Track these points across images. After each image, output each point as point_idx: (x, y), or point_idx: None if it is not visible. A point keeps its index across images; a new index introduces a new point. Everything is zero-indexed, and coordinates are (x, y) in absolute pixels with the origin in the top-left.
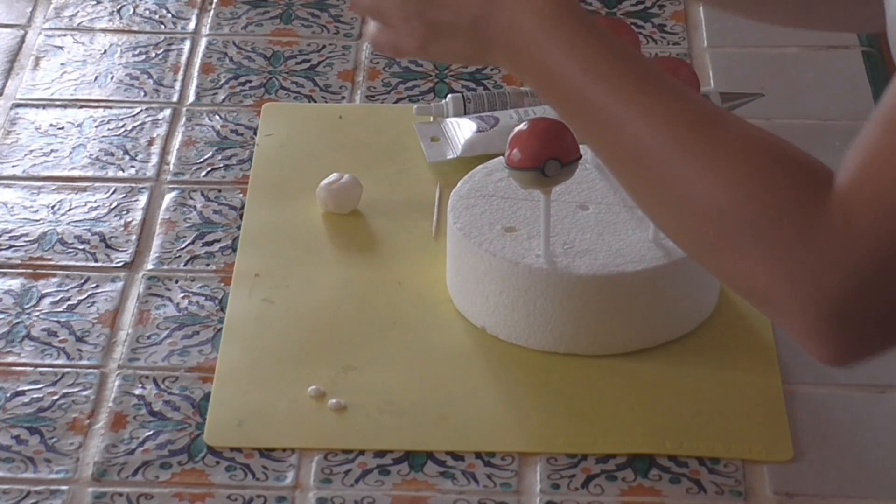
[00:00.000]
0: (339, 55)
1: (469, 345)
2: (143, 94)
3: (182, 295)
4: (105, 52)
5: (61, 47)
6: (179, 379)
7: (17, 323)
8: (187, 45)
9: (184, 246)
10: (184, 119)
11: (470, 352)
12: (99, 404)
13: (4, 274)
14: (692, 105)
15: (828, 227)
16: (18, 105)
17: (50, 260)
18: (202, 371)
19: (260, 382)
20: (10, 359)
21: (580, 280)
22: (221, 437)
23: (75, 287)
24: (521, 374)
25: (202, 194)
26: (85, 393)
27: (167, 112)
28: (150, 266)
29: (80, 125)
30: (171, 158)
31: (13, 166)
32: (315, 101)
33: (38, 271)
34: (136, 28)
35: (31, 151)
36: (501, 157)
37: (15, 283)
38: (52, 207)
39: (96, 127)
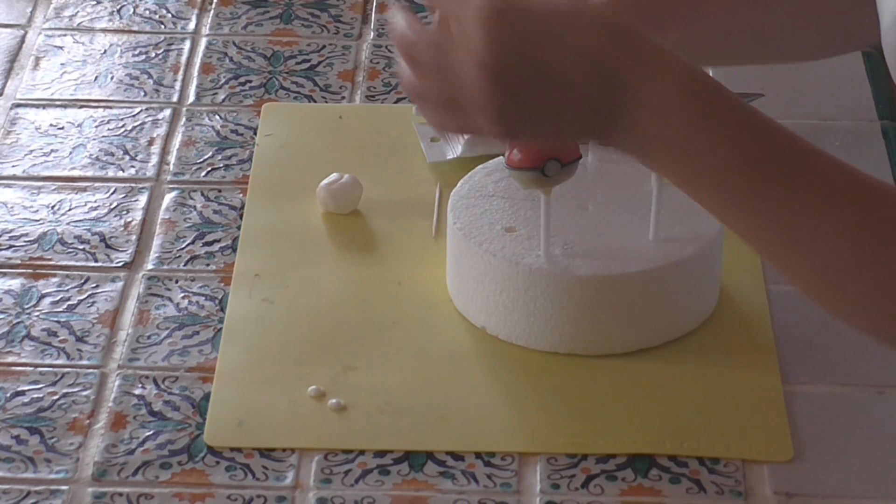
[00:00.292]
0: (339, 55)
1: (469, 345)
2: (143, 94)
3: (182, 295)
4: (105, 52)
5: (61, 47)
6: (179, 379)
7: (17, 323)
8: (187, 45)
9: (184, 246)
10: (184, 119)
11: (470, 352)
12: (99, 404)
13: (4, 274)
14: (859, 186)
15: None
16: (18, 105)
17: (50, 260)
18: (202, 371)
19: (260, 382)
20: (10, 359)
21: (580, 280)
22: (221, 437)
23: (75, 287)
24: (521, 374)
25: (202, 194)
26: (85, 393)
27: (167, 112)
28: (150, 266)
29: (80, 125)
30: (171, 158)
31: (13, 166)
32: (315, 101)
33: (38, 271)
34: (136, 28)
35: (31, 151)
36: (501, 157)
37: (15, 283)
38: (52, 207)
39: (96, 127)
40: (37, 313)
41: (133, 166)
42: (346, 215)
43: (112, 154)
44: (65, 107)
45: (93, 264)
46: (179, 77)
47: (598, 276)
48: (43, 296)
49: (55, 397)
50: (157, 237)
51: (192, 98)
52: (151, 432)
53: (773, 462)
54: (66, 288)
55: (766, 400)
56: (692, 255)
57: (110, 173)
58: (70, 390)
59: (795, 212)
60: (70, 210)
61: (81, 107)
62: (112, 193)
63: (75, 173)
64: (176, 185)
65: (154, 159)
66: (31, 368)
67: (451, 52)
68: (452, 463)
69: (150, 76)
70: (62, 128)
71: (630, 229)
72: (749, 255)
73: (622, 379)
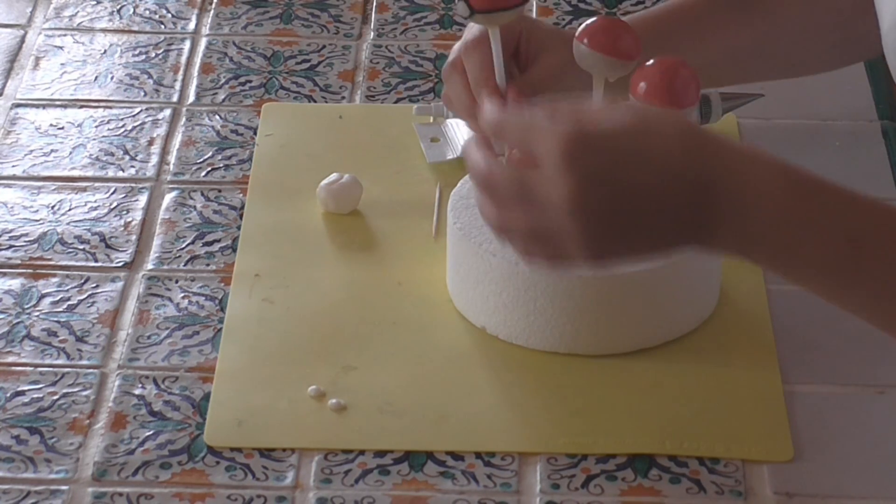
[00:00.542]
0: (339, 55)
1: (469, 345)
2: (143, 94)
3: (182, 295)
4: (105, 52)
5: (61, 47)
6: (179, 379)
7: (17, 323)
8: (187, 45)
9: (184, 246)
10: (184, 119)
11: (470, 352)
12: (99, 404)
13: (4, 274)
14: None
15: None
16: (18, 105)
17: (50, 260)
18: (202, 371)
19: (260, 382)
20: (10, 359)
21: (580, 280)
22: (221, 437)
23: (75, 287)
24: (521, 374)
25: (202, 194)
26: (85, 393)
27: (167, 112)
28: (150, 266)
29: (80, 125)
30: (171, 158)
31: (13, 166)
32: (315, 101)
33: (38, 271)
34: (136, 28)
35: (31, 151)
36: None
37: (15, 283)
38: (52, 207)
39: (96, 127)
40: (37, 313)
41: (133, 166)
42: (346, 215)
43: (112, 154)
44: (65, 107)
45: (93, 264)
46: (179, 77)
47: (598, 276)
48: (43, 296)
49: (55, 397)
50: (157, 237)
51: (192, 98)
52: (151, 432)
53: (773, 462)
54: (66, 288)
55: (766, 400)
56: (692, 254)
57: (110, 173)
58: (70, 390)
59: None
60: (70, 210)
61: (81, 107)
62: (112, 193)
63: (75, 173)
64: (176, 185)
65: (154, 159)
66: (31, 368)
67: (533, 186)
68: (452, 463)
69: (150, 76)
70: (62, 128)
71: None
72: None
73: (622, 379)
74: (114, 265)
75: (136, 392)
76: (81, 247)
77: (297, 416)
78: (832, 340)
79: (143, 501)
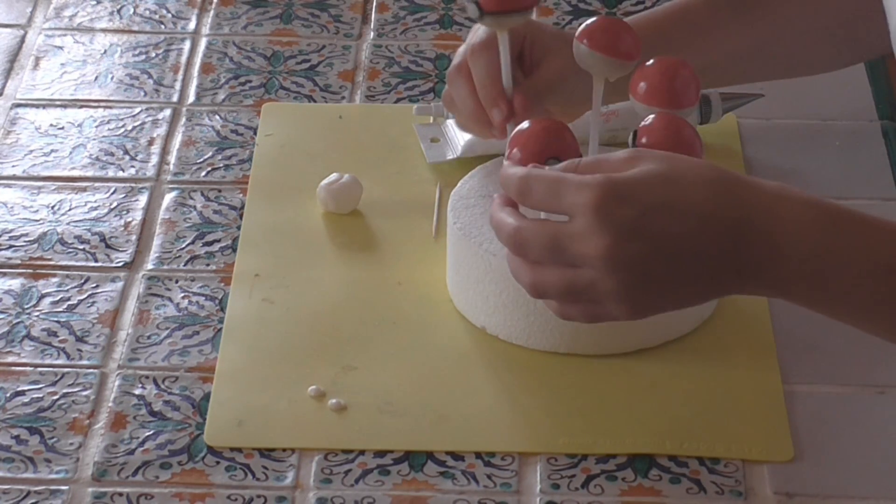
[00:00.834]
0: (339, 55)
1: (469, 345)
2: (143, 94)
3: (182, 295)
4: (105, 52)
5: (61, 47)
6: (179, 379)
7: (17, 323)
8: (187, 45)
9: (184, 246)
10: (184, 119)
11: (470, 352)
12: (99, 404)
13: (4, 274)
14: None
15: None
16: (18, 105)
17: (50, 260)
18: (202, 371)
19: (260, 382)
20: (10, 359)
21: None
22: (221, 437)
23: (75, 287)
24: (521, 374)
25: (202, 194)
26: (85, 393)
27: (167, 112)
28: (150, 266)
29: (80, 125)
30: (171, 158)
31: (13, 166)
32: (315, 101)
33: (38, 271)
34: (136, 28)
35: (31, 151)
36: (501, 157)
37: (15, 283)
38: (52, 207)
39: (96, 127)
40: (37, 313)
41: (133, 166)
42: (346, 215)
43: (112, 154)
44: (65, 107)
45: (93, 264)
46: (179, 77)
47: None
48: (43, 296)
49: (55, 397)
50: (157, 237)
51: (192, 98)
52: (151, 432)
53: (773, 462)
54: (66, 288)
55: (766, 400)
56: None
57: (110, 173)
58: (70, 390)
59: None
60: (70, 210)
61: (81, 107)
62: (112, 193)
63: (75, 173)
64: (176, 185)
65: (154, 159)
66: (31, 368)
67: (566, 243)
68: (452, 463)
69: (150, 76)
70: (62, 128)
71: None
72: None
73: (622, 379)
74: (114, 265)
75: (136, 392)
76: (81, 247)
77: (297, 416)
78: (832, 340)
79: (143, 501)
